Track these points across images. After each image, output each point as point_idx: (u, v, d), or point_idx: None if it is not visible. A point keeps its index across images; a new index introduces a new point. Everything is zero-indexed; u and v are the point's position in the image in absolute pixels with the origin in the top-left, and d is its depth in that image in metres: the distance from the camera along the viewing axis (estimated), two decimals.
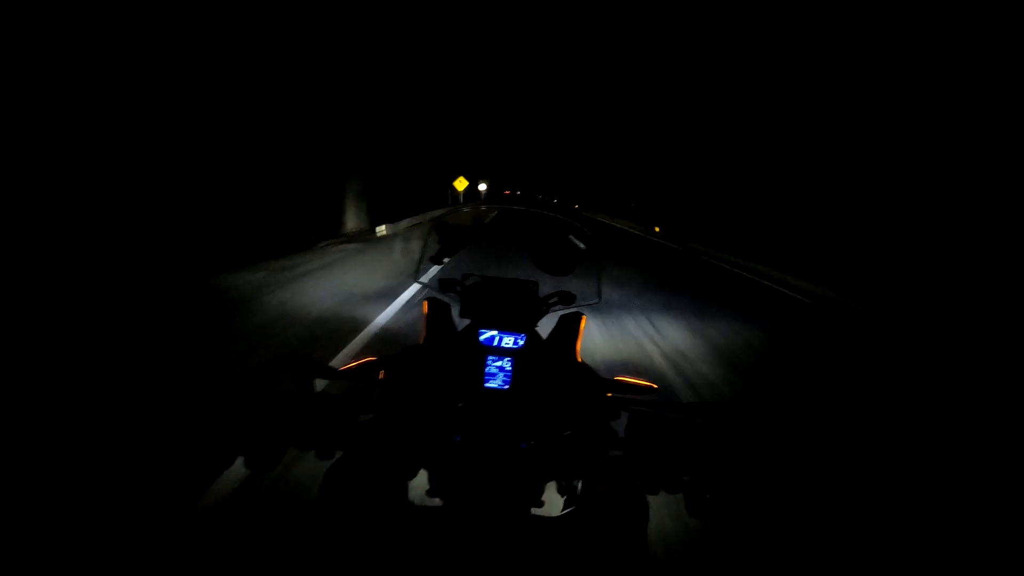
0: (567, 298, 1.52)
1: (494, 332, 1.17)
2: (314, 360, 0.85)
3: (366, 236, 11.55)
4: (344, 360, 3.72)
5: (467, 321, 1.30)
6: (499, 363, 1.11)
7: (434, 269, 6.34)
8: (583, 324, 1.42)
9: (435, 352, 1.22)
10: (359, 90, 12.58)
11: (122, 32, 5.92)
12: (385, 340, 4.10)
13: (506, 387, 1.09)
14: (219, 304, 4.87)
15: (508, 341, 1.16)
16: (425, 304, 1.40)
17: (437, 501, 0.83)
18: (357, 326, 4.45)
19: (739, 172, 20.32)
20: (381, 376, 1.08)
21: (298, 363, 0.82)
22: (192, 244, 6.82)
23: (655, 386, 1.04)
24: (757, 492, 0.66)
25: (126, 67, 5.94)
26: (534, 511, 0.82)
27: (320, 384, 2.47)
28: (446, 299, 1.47)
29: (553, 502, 0.90)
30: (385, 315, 4.89)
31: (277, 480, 2.05)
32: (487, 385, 1.09)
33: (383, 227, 12.03)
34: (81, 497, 1.85)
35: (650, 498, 0.75)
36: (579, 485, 0.89)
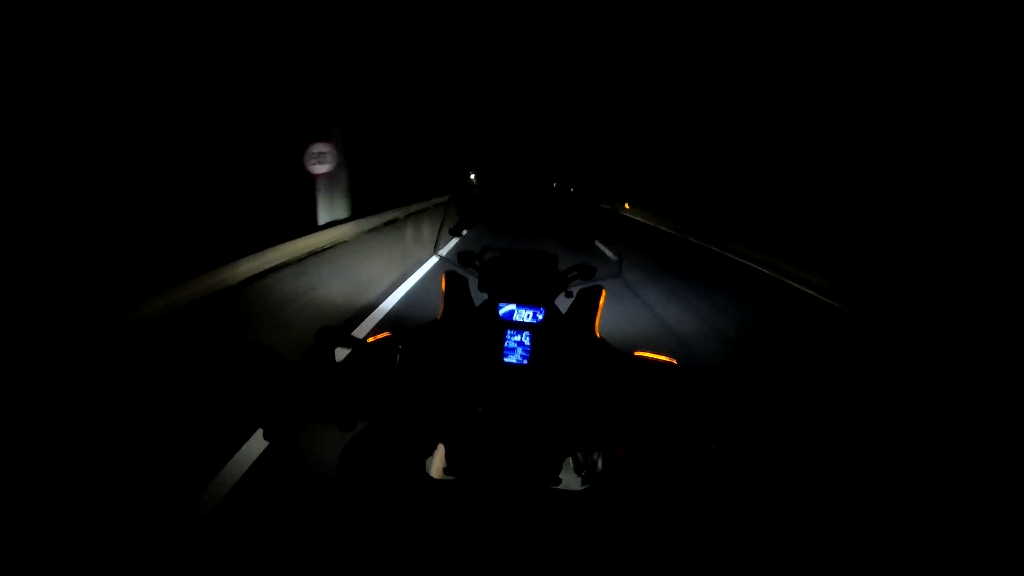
0: (587, 272, 1.50)
1: (513, 306, 1.16)
2: (335, 329, 0.85)
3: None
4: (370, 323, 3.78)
5: (486, 295, 1.29)
6: (518, 337, 1.10)
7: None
8: (603, 298, 1.40)
9: (454, 327, 1.22)
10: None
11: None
12: None
13: (525, 362, 1.09)
14: None
15: (527, 315, 1.15)
16: (443, 278, 1.39)
17: (453, 479, 0.84)
18: None
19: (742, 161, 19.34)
20: (400, 348, 1.08)
21: (320, 332, 0.82)
22: None
23: (675, 362, 1.02)
24: (780, 461, 0.65)
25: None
26: (551, 488, 0.82)
27: (340, 355, 2.51)
28: (465, 273, 1.46)
29: (569, 482, 0.91)
30: None
31: (298, 455, 2.10)
32: (506, 360, 1.09)
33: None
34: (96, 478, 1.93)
35: (672, 468, 0.75)
36: (599, 461, 0.89)
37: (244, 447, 2.13)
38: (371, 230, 9.54)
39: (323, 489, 1.82)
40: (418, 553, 0.65)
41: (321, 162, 7.92)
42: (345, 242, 8.11)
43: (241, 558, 1.59)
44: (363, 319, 4.14)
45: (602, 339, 1.26)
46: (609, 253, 6.61)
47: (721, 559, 1.76)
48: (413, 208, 13.18)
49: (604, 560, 0.66)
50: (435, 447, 0.89)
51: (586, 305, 1.37)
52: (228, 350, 0.69)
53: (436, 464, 0.86)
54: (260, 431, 0.68)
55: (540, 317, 1.15)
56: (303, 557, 1.51)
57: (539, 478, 0.81)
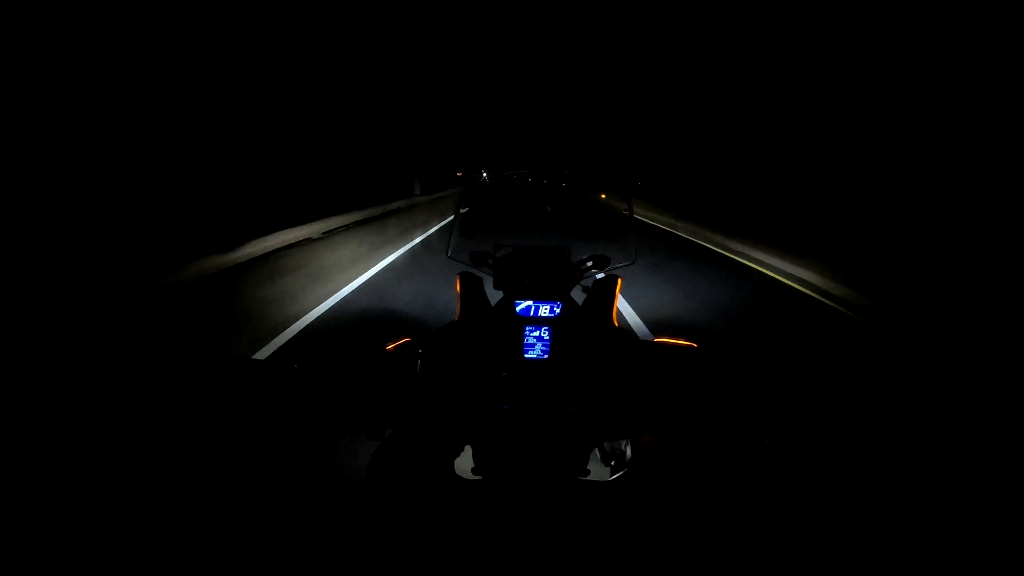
0: (601, 261, 1.49)
1: (529, 302, 1.16)
2: (357, 343, 0.87)
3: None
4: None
5: (501, 293, 1.29)
6: (537, 333, 1.10)
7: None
8: (619, 287, 1.39)
9: (472, 327, 1.23)
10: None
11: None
12: None
13: (546, 356, 1.09)
14: None
15: (544, 310, 1.15)
16: (458, 280, 1.40)
17: (482, 478, 0.84)
18: None
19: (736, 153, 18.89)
20: (420, 353, 1.09)
21: (343, 347, 0.83)
22: None
23: (695, 345, 1.01)
24: (812, 436, 0.65)
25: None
26: (581, 479, 0.82)
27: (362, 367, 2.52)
28: (478, 273, 1.46)
29: (598, 472, 0.91)
30: None
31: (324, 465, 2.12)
32: (527, 355, 1.09)
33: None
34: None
35: (701, 451, 0.75)
36: (627, 449, 0.89)
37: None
38: None
39: (354, 496, 1.85)
40: (452, 553, 0.66)
41: None
42: None
43: (276, 568, 1.62)
44: None
45: (621, 327, 1.26)
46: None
47: (754, 544, 1.75)
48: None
49: (637, 549, 0.65)
50: (462, 448, 0.89)
51: (602, 295, 1.37)
52: (253, 373, 0.71)
53: (464, 464, 0.86)
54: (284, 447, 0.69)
55: (557, 311, 1.15)
56: (338, 562, 1.53)
57: (568, 470, 0.81)
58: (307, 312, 4.07)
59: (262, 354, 3.08)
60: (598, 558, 0.64)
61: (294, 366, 0.74)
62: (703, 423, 0.72)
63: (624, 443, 0.92)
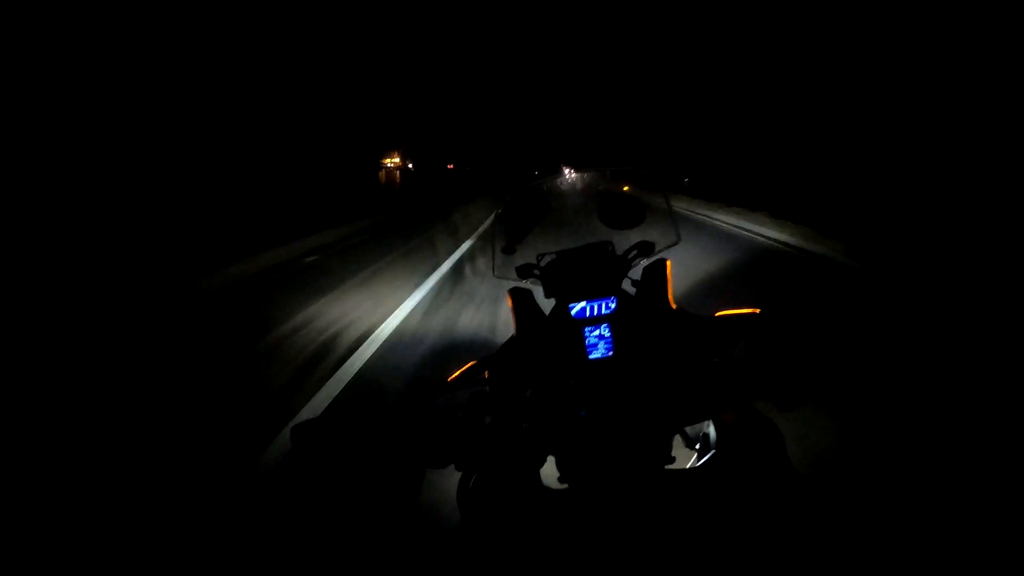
0: (646, 248, 1.47)
1: (583, 303, 1.16)
2: (428, 378, 0.90)
3: None
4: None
5: (554, 300, 1.30)
6: (597, 332, 1.10)
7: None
8: (669, 269, 1.36)
9: (532, 339, 1.24)
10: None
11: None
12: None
13: (610, 354, 1.08)
14: None
15: (600, 308, 1.15)
16: (508, 296, 1.42)
17: (567, 487, 0.84)
18: None
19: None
20: (487, 376, 1.11)
21: (416, 385, 0.87)
22: None
23: (758, 311, 0.98)
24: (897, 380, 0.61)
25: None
26: (668, 468, 0.81)
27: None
28: (527, 285, 1.48)
29: (683, 459, 0.90)
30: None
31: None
32: (591, 357, 1.09)
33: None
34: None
35: (786, 416, 0.72)
36: (711, 430, 0.87)
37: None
38: None
39: (448, 525, 1.88)
40: (556, 563, 0.66)
41: None
42: None
43: None
44: None
45: (679, 308, 1.23)
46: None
47: (844, 508, 1.64)
48: None
49: (736, 530, 0.64)
50: (545, 459, 0.90)
51: (654, 280, 1.34)
52: (337, 422, 0.74)
53: (547, 475, 0.87)
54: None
55: (612, 306, 1.14)
56: None
57: (653, 462, 0.80)
58: None
59: None
60: (699, 545, 0.63)
61: (370, 415, 0.77)
62: (776, 390, 0.70)
63: (706, 424, 0.90)
